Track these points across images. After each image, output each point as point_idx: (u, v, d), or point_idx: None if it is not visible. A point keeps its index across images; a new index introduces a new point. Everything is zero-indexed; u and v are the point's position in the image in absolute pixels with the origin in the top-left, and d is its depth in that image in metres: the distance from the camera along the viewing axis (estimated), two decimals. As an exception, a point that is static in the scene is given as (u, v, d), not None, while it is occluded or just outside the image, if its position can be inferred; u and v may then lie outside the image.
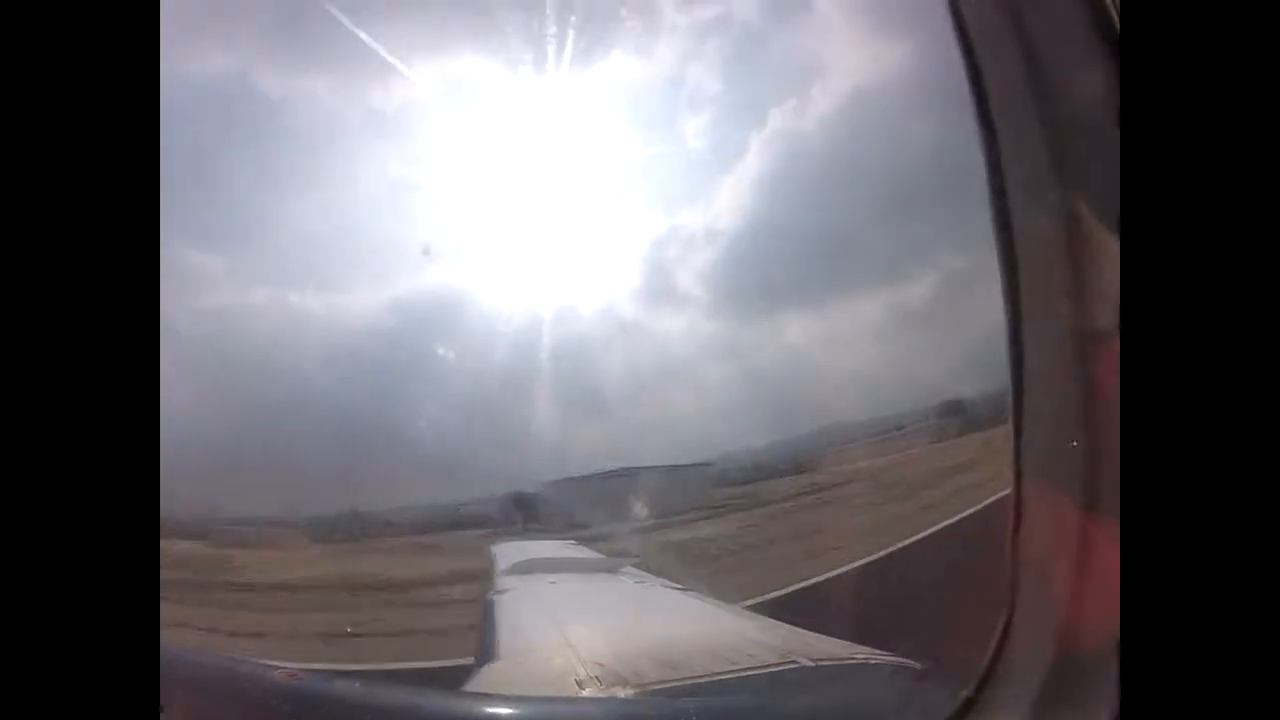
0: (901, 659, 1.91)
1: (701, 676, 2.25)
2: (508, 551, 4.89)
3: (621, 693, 2.23)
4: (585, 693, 2.26)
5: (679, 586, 4.11)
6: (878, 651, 2.07)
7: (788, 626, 2.67)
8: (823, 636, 2.45)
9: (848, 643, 2.30)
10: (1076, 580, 0.80)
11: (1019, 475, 0.88)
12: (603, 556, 4.94)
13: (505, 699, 2.17)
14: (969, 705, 1.00)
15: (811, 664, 2.17)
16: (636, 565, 4.60)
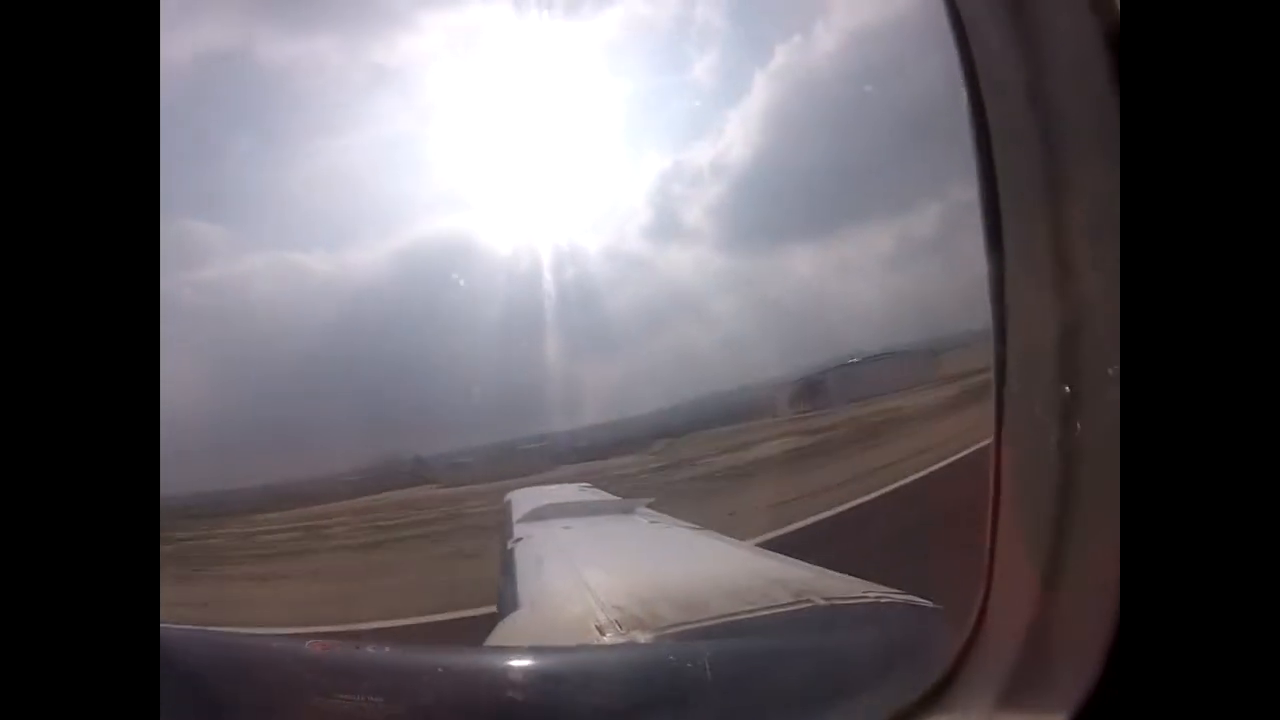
0: (913, 597, 1.93)
1: (718, 618, 2.27)
2: (522, 498, 4.93)
3: (640, 636, 2.26)
4: (605, 638, 2.29)
5: (694, 526, 4.15)
6: (890, 590, 2.09)
7: (803, 564, 2.69)
8: (837, 574, 2.47)
9: (862, 580, 2.31)
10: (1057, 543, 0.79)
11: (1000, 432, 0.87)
12: (618, 498, 4.99)
13: (527, 651, 2.20)
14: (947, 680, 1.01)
15: (825, 603, 2.18)
16: (651, 505, 4.64)
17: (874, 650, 1.68)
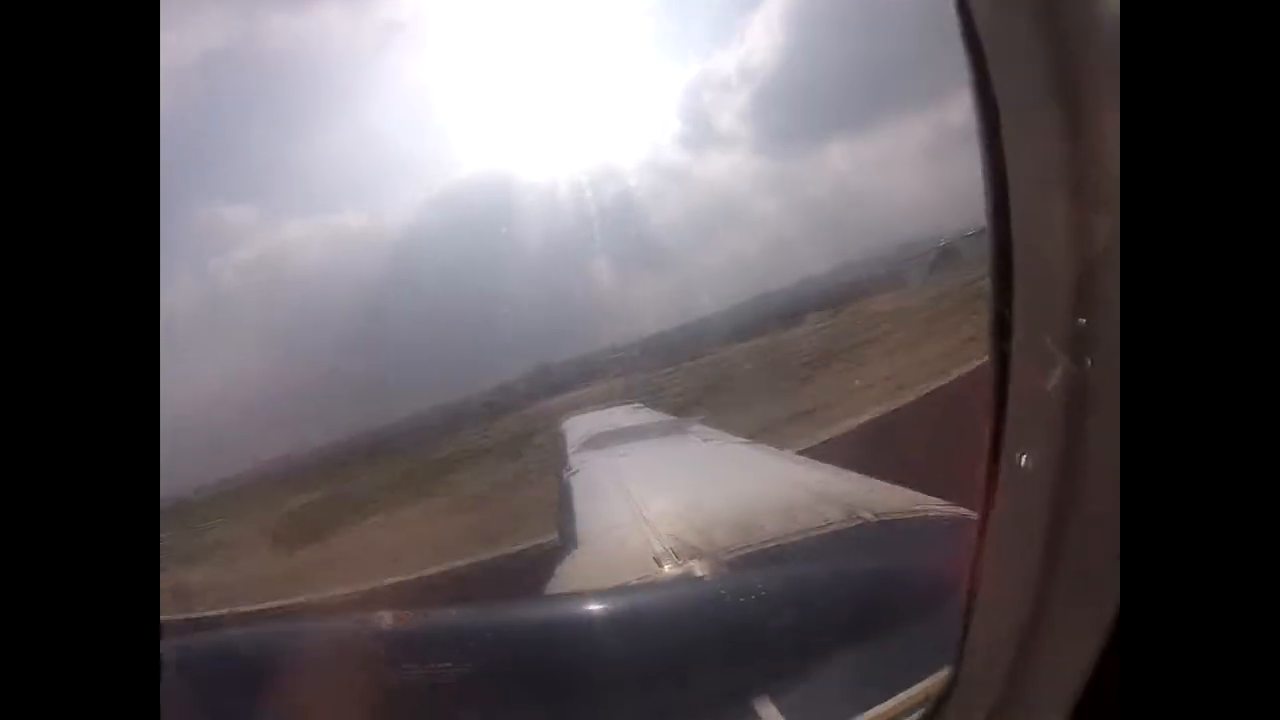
0: (962, 509, 1.91)
1: (771, 541, 2.29)
2: (576, 426, 4.97)
3: (697, 566, 2.30)
4: (664, 569, 2.33)
5: (746, 441, 4.16)
6: (940, 502, 2.07)
7: (855, 476, 2.69)
8: (889, 486, 2.46)
9: (912, 493, 2.30)
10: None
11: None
12: (671, 418, 5.00)
13: (586, 598, 2.25)
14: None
15: (875, 518, 2.18)
16: (704, 421, 4.65)
17: (924, 572, 1.67)
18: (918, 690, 1.26)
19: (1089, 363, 0.73)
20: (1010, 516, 0.82)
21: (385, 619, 1.94)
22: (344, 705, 1.62)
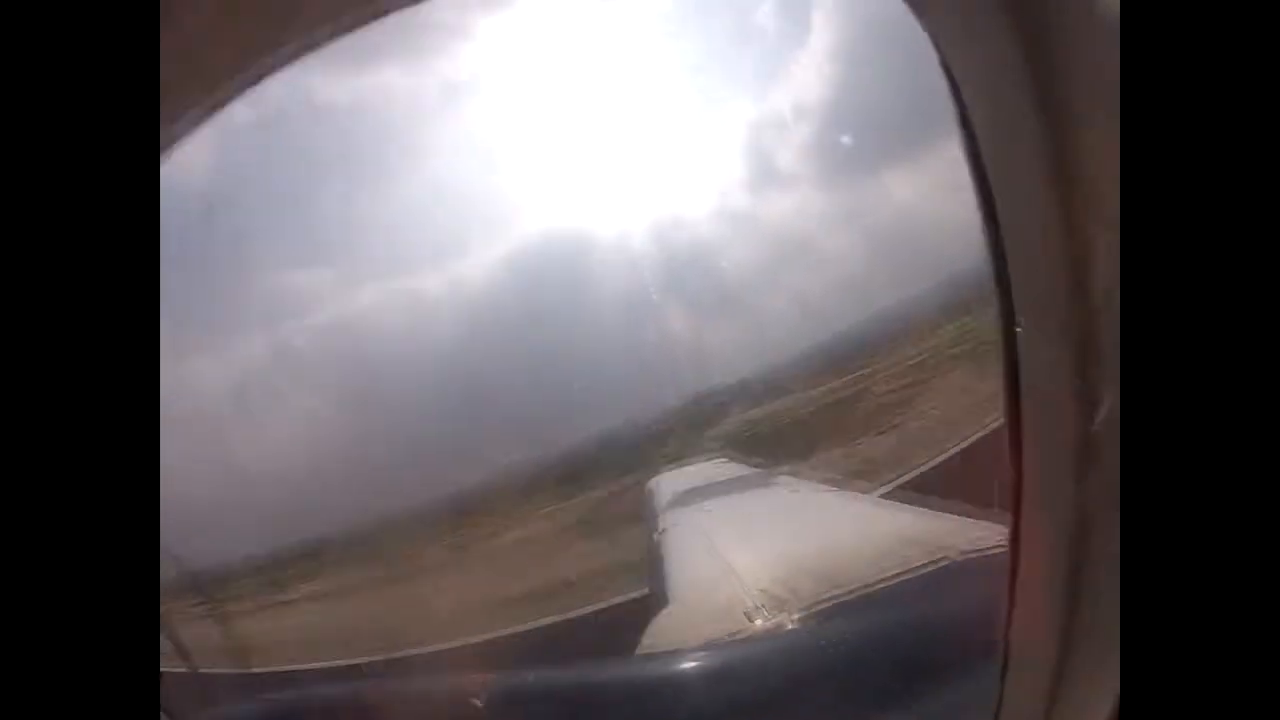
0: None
1: (857, 589, 2.30)
2: (662, 484, 5.02)
3: (786, 616, 2.31)
4: (755, 624, 2.35)
5: (832, 489, 4.14)
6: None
7: (939, 514, 2.67)
8: (973, 521, 2.45)
9: (998, 526, 2.28)
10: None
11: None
12: (756, 470, 5.01)
13: (675, 656, 2.28)
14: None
15: (961, 556, 2.17)
16: (790, 473, 4.65)
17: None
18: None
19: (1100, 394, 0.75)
20: (1037, 558, 0.84)
21: (472, 680, 1.98)
22: None
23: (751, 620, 2.39)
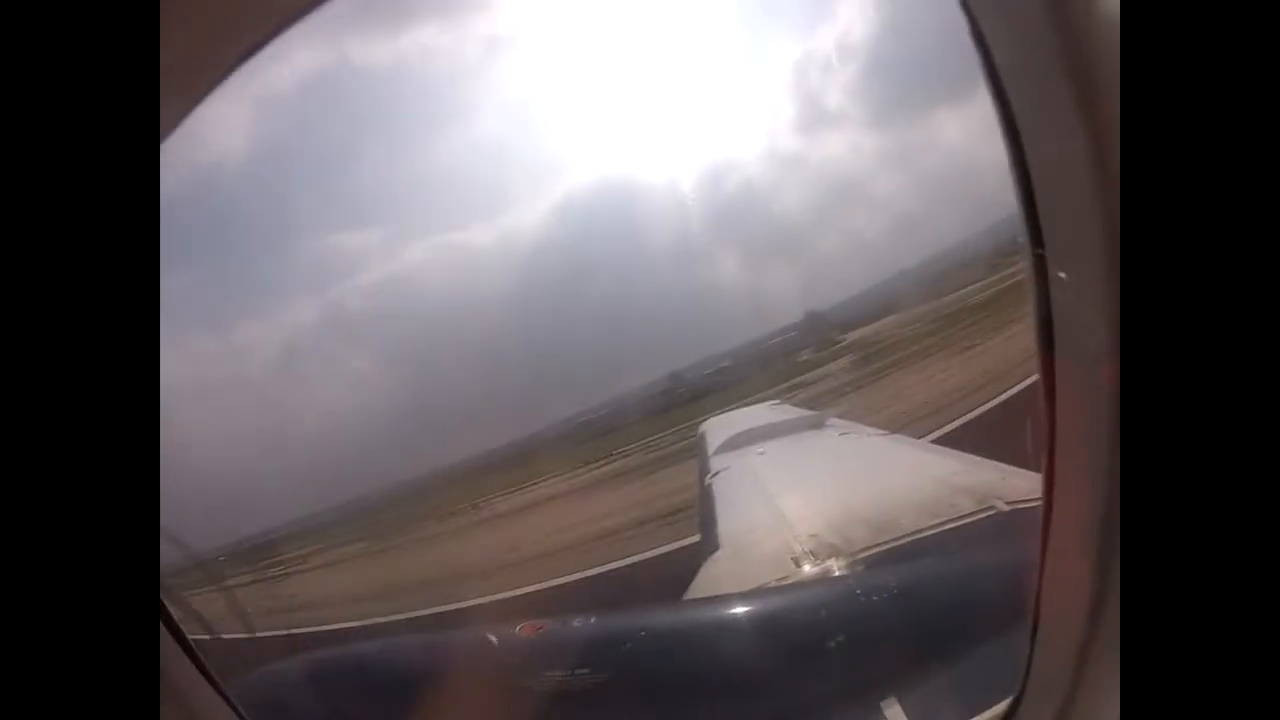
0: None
1: (906, 535, 2.31)
2: (715, 427, 5.03)
3: (834, 563, 2.34)
4: (803, 569, 2.38)
5: (883, 432, 4.12)
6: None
7: (991, 463, 2.66)
8: (1020, 471, 2.44)
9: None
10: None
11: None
12: (809, 413, 4.99)
13: (725, 600, 2.32)
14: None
15: (1008, 507, 2.17)
16: (843, 415, 4.63)
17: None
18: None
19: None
20: (1070, 523, 0.84)
21: (525, 627, 2.05)
22: (485, 713, 1.72)
23: (799, 566, 2.42)
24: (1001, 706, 1.08)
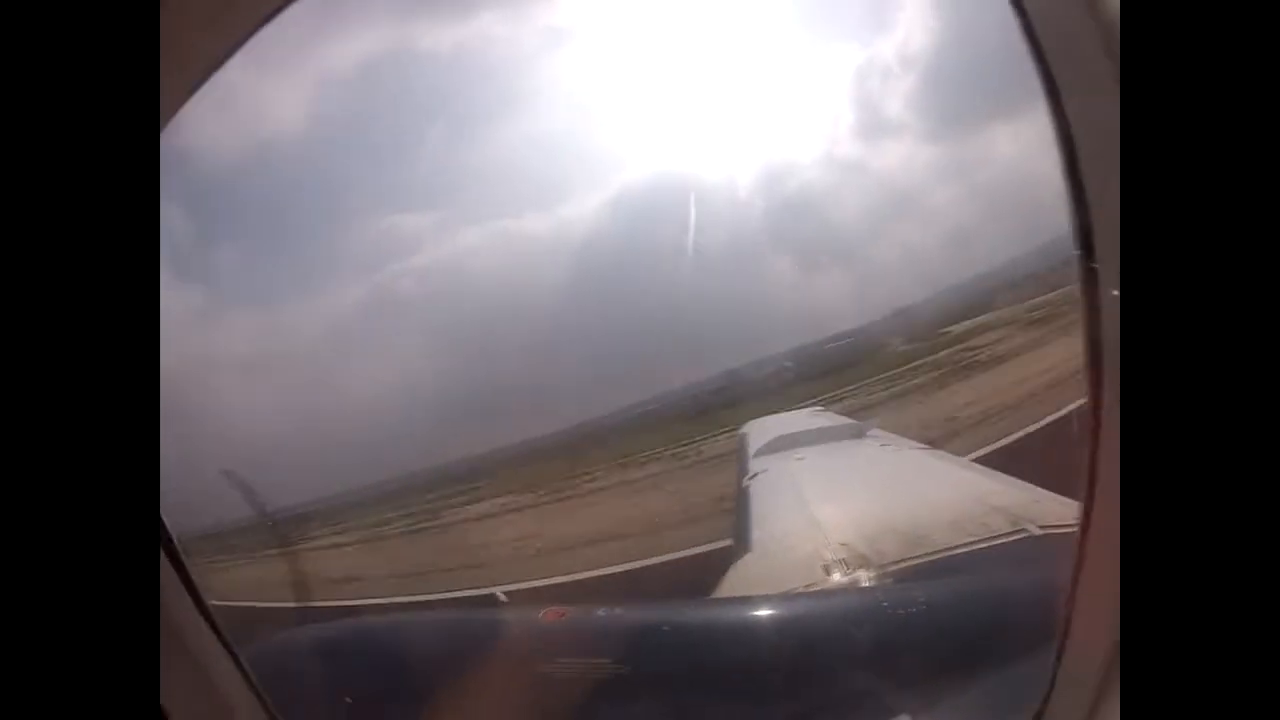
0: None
1: (937, 552, 2.31)
2: (757, 430, 5.05)
3: (864, 574, 2.35)
4: (833, 577, 2.40)
5: (923, 446, 4.11)
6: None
7: (1025, 486, 2.65)
8: (1056, 496, 2.43)
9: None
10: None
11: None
12: (851, 422, 4.98)
13: (751, 602, 2.34)
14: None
15: (1040, 531, 2.17)
16: (884, 427, 4.62)
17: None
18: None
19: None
20: (1105, 547, 0.85)
21: (548, 612, 2.09)
22: (498, 692, 1.76)
23: (829, 574, 2.44)
24: None
